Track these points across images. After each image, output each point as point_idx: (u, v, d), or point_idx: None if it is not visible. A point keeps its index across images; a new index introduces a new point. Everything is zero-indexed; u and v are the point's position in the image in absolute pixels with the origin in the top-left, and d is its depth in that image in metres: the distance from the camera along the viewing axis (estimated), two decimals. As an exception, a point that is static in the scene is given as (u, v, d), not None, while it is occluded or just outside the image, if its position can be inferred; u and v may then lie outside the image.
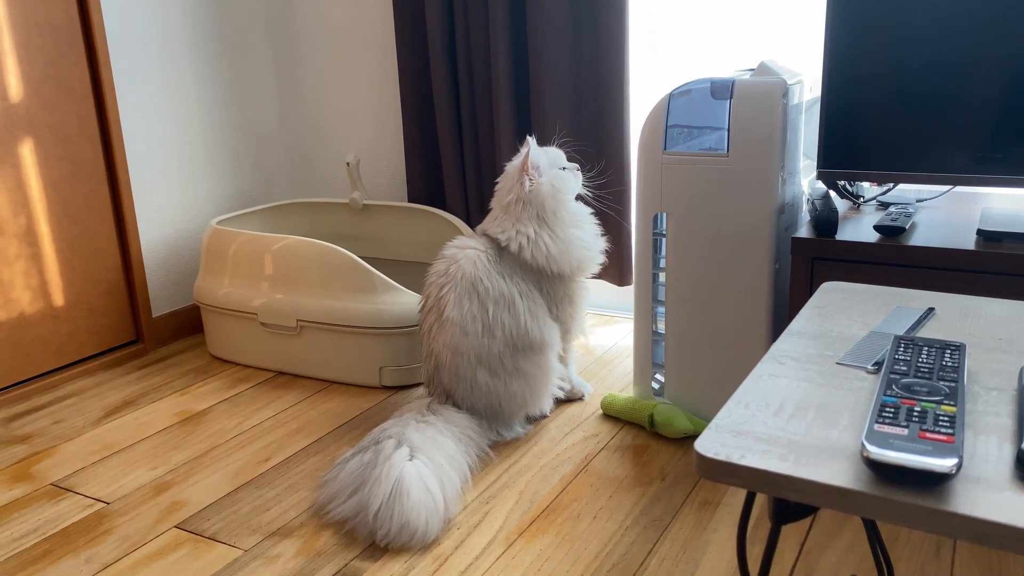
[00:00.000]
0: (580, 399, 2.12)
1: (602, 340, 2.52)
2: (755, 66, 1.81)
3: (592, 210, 2.00)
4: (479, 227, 1.96)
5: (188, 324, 2.75)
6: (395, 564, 1.49)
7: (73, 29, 2.35)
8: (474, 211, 2.65)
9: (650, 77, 2.46)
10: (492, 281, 1.82)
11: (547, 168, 1.89)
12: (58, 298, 2.38)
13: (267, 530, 1.62)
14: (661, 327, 1.94)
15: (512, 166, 1.92)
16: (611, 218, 2.42)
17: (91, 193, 2.44)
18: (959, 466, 0.64)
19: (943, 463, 0.64)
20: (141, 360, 2.55)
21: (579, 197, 1.97)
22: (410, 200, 2.79)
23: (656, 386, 1.99)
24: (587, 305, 2.03)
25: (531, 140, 1.89)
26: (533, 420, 2.00)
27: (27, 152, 2.27)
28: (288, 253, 2.30)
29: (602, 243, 1.98)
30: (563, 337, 1.97)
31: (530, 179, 1.85)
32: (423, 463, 1.61)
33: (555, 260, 1.87)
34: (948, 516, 0.63)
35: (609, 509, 1.64)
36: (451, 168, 2.64)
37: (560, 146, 2.01)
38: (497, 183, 1.95)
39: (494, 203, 1.95)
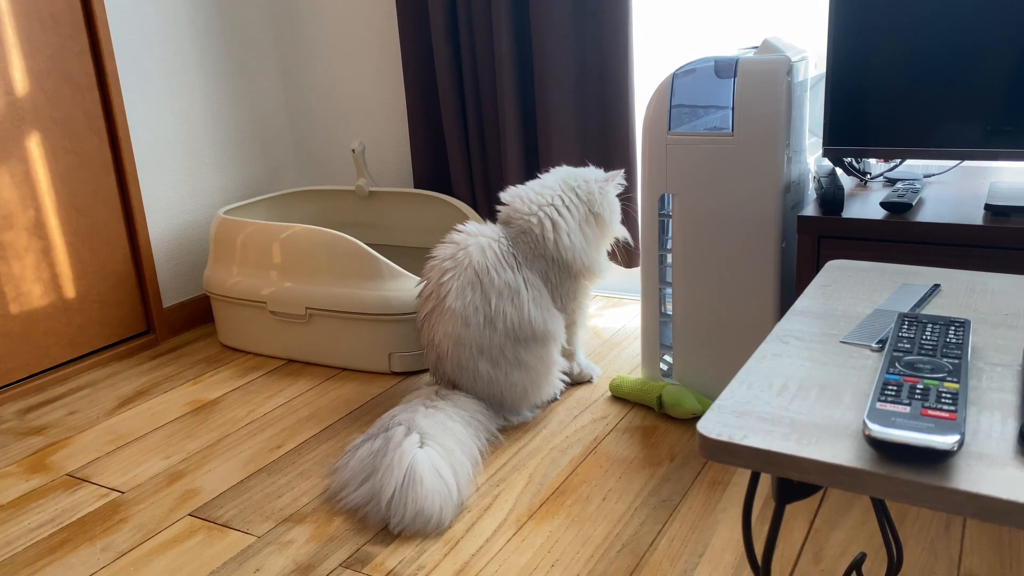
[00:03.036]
0: (588, 381, 2.13)
1: (610, 322, 2.52)
2: (759, 44, 1.79)
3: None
4: (508, 191, 1.97)
5: (198, 314, 2.77)
6: (407, 548, 1.51)
7: (76, 21, 2.35)
8: (480, 195, 2.65)
9: (654, 57, 2.44)
10: (499, 272, 1.82)
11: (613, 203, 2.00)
12: (69, 290, 2.40)
13: (280, 516, 1.64)
14: (668, 308, 1.94)
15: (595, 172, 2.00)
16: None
17: (99, 185, 2.45)
18: (961, 443, 0.64)
19: (945, 440, 0.64)
20: (153, 351, 2.57)
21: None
22: (416, 186, 2.79)
23: (664, 367, 1.99)
24: (590, 299, 2.11)
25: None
26: (542, 404, 2.00)
27: (34, 146, 2.28)
28: (296, 241, 2.31)
29: (607, 265, 2.04)
30: (567, 327, 1.99)
31: (617, 185, 1.98)
32: (434, 450, 1.62)
33: (568, 250, 1.90)
34: (950, 493, 0.63)
35: (618, 490, 1.65)
36: (456, 153, 2.63)
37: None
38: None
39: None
